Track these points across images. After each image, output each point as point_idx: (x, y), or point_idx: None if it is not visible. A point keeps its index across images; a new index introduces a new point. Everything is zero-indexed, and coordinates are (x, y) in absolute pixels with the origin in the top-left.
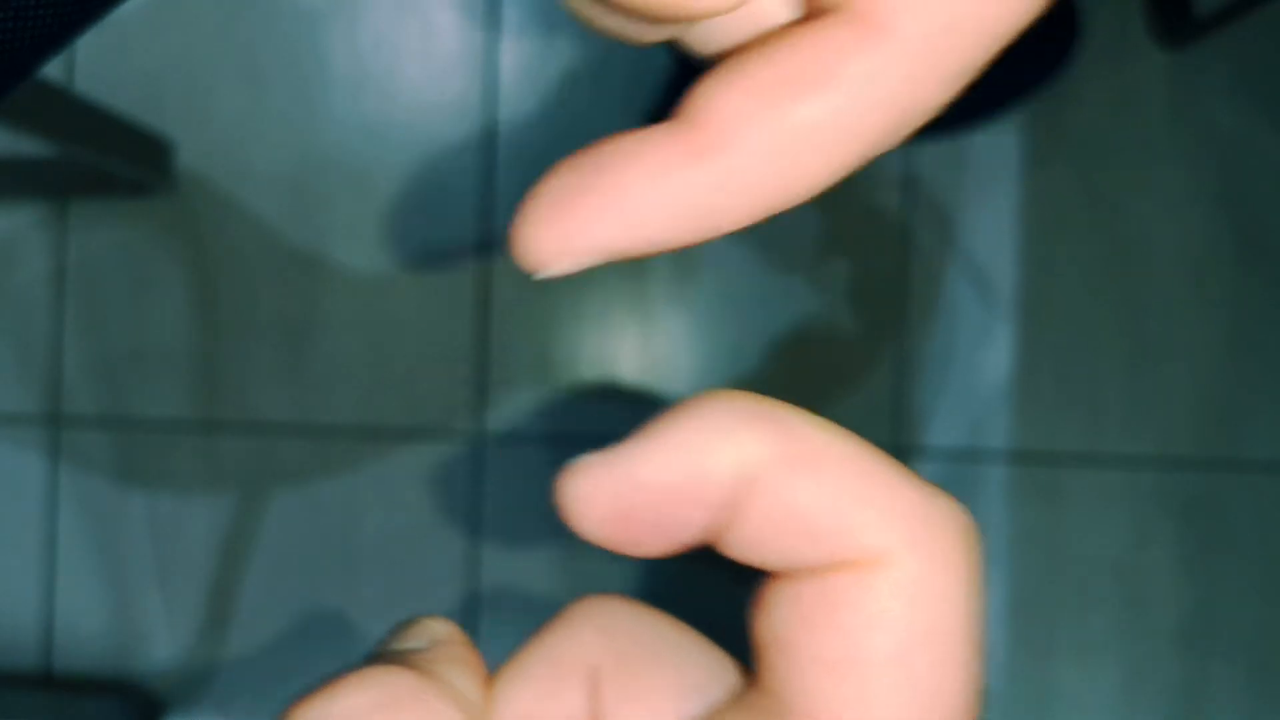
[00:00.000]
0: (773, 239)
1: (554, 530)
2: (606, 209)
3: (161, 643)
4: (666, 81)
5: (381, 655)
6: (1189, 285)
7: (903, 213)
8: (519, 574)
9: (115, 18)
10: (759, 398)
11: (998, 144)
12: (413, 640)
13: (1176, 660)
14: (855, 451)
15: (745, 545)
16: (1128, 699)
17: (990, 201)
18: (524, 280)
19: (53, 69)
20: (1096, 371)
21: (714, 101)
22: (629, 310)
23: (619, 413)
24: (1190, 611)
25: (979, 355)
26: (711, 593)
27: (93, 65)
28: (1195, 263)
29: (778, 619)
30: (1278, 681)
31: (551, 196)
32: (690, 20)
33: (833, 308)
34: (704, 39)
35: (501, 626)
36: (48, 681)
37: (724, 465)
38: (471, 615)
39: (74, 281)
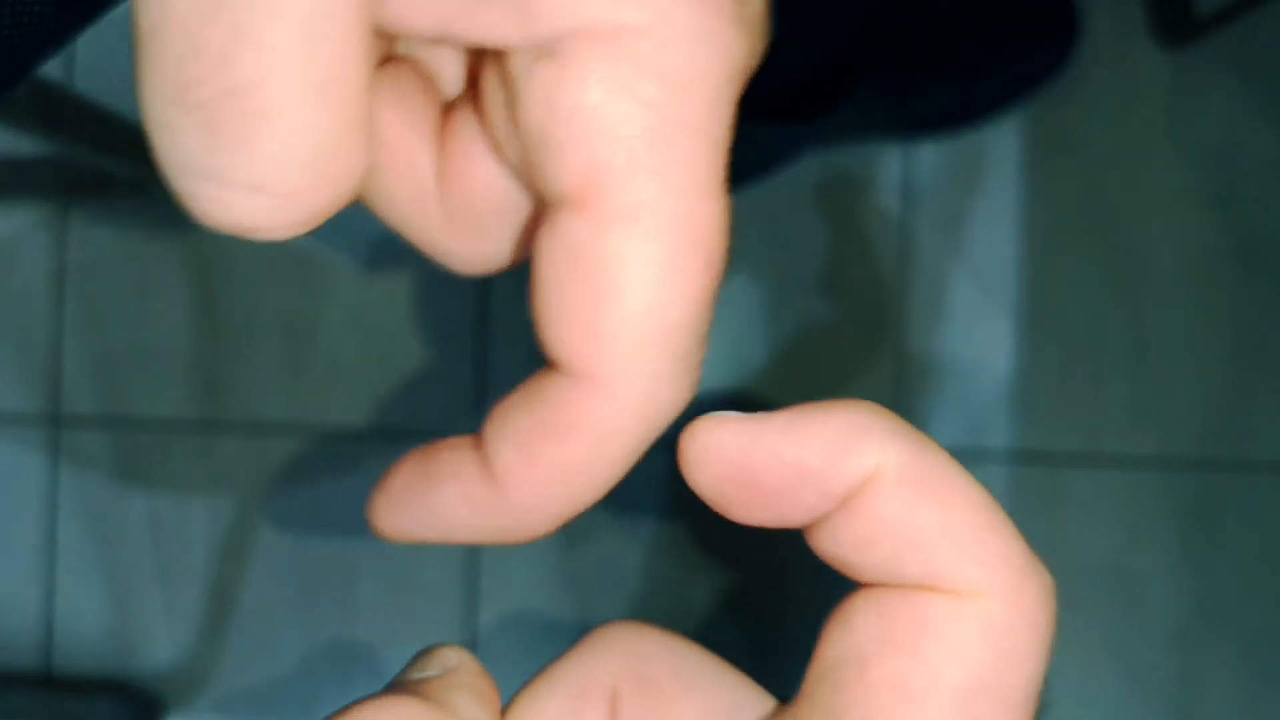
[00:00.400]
0: (773, 239)
1: (553, 530)
2: (425, 518)
3: (161, 643)
4: None
5: (395, 684)
6: (1189, 285)
7: (903, 212)
8: (518, 575)
9: (115, 16)
10: (899, 418)
11: (998, 144)
12: (427, 669)
13: (1176, 660)
14: (977, 492)
15: (848, 543)
16: (1126, 698)
17: (990, 202)
18: (524, 280)
19: (52, 67)
20: (1097, 371)
21: (492, 449)
22: None
23: None
24: (1190, 611)
25: (979, 355)
26: (710, 596)
27: (93, 64)
28: (1195, 263)
29: (860, 634)
30: (1276, 682)
31: (388, 494)
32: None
33: (833, 308)
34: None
35: (500, 628)
36: (47, 681)
37: (859, 462)
38: (470, 617)
39: (74, 281)
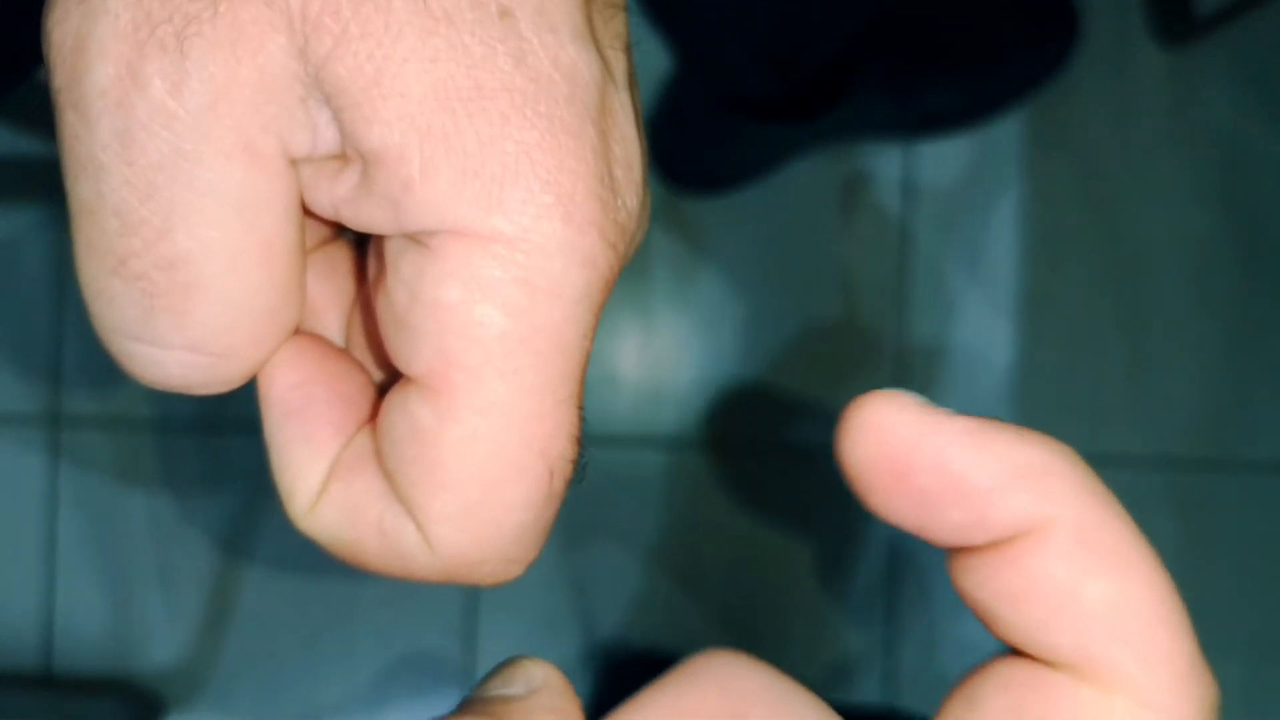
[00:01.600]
0: (774, 238)
1: (555, 531)
2: None
3: (161, 643)
4: (667, 82)
5: (477, 700)
6: (1189, 285)
7: (903, 213)
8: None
9: None
10: (1091, 471)
11: (998, 144)
12: (511, 684)
13: None
14: (1157, 575)
15: (999, 592)
16: None
17: (990, 202)
18: None
19: None
20: (1096, 371)
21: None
22: (629, 310)
23: (619, 412)
24: (1188, 611)
25: (980, 354)
26: (708, 595)
27: None
28: (1195, 263)
29: (988, 711)
30: (1276, 681)
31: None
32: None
33: (834, 307)
34: None
35: (500, 626)
36: (47, 681)
37: (1032, 504)
38: (471, 615)
39: (74, 281)
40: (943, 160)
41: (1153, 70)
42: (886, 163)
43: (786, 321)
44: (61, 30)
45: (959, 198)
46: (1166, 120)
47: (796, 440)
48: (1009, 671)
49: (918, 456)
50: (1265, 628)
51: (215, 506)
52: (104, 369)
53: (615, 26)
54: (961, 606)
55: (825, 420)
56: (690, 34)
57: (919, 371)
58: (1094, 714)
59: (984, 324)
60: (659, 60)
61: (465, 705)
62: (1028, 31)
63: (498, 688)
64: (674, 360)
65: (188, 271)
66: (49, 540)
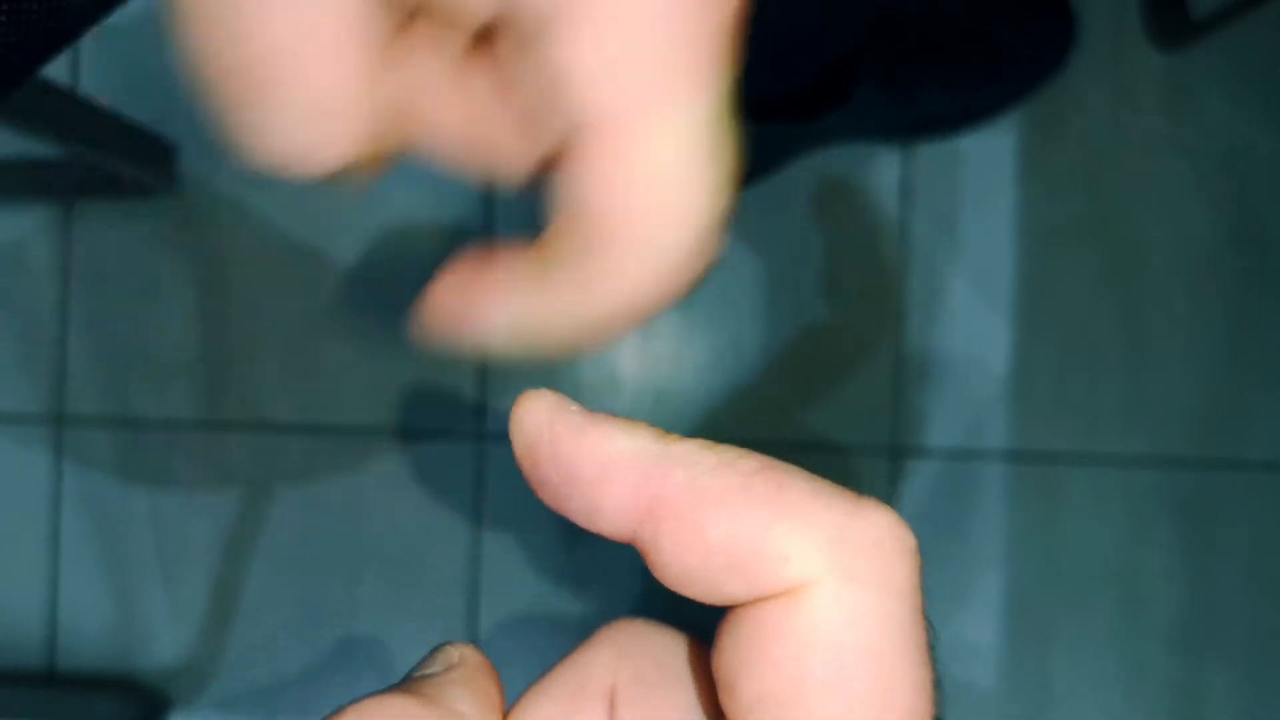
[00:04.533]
0: (773, 239)
1: (555, 531)
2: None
3: (165, 641)
4: None
5: (403, 681)
6: (1188, 285)
7: (902, 213)
8: (519, 574)
9: (119, 19)
10: (664, 439)
11: (996, 145)
12: (431, 666)
13: (1173, 659)
14: (768, 477)
15: (673, 577)
16: (1125, 697)
17: (989, 202)
18: None
19: (57, 70)
20: (1095, 371)
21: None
22: None
23: (619, 412)
24: (1187, 610)
25: (978, 355)
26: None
27: (98, 66)
28: (1194, 263)
29: (723, 663)
30: (1274, 680)
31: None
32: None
33: (832, 308)
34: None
35: (501, 626)
36: (51, 680)
37: (619, 490)
38: (472, 615)
39: (79, 282)
40: (941, 161)
41: (1151, 72)
42: (885, 164)
43: (785, 322)
44: None
45: (957, 199)
46: (1165, 121)
47: (795, 440)
48: (728, 619)
49: (544, 454)
50: (1265, 627)
51: (218, 505)
52: (108, 368)
53: None
54: (959, 608)
55: (824, 420)
56: None
57: (916, 372)
58: (797, 612)
59: (982, 324)
60: None
61: (392, 688)
62: (1026, 33)
63: (420, 670)
64: (674, 360)
65: (279, 57)
66: (53, 539)
